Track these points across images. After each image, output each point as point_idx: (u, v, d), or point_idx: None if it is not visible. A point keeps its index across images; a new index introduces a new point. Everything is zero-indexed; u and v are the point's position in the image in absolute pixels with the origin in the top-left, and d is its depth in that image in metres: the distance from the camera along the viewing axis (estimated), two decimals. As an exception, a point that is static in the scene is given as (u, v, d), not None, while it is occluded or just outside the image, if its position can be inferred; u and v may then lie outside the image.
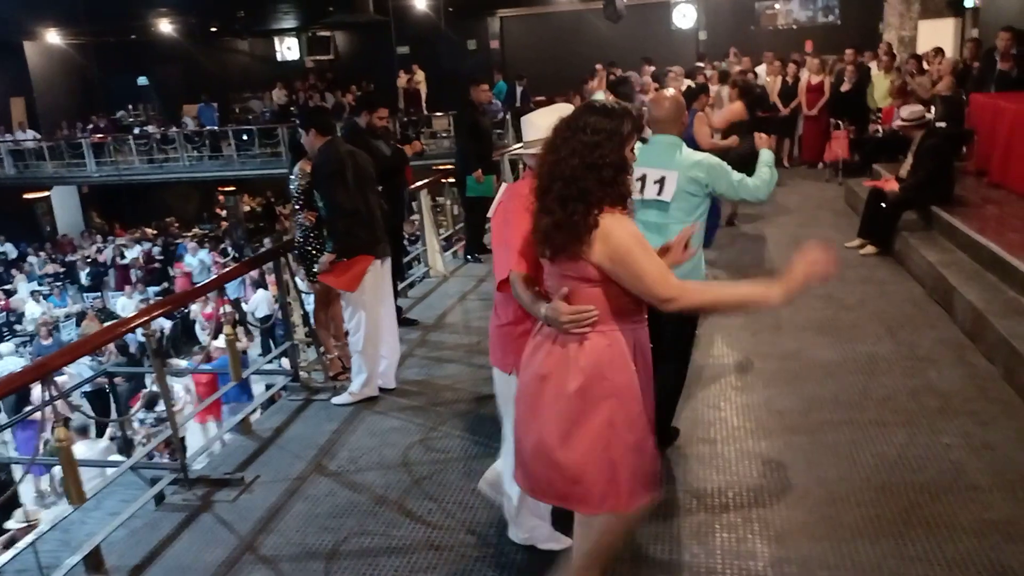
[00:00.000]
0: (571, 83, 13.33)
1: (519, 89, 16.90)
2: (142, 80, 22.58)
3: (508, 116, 14.39)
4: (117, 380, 9.20)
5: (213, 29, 21.38)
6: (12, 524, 6.16)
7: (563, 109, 2.55)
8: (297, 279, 5.42)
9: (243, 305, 11.82)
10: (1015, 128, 6.86)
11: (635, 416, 2.31)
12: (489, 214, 2.85)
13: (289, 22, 21.67)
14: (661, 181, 3.48)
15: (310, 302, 5.54)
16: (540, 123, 2.55)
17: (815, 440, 3.87)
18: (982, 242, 5.60)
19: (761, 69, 12.40)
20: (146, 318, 3.98)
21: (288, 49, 22.55)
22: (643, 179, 3.48)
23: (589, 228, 2.18)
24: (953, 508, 3.22)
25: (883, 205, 6.83)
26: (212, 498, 3.80)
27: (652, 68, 13.18)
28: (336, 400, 4.70)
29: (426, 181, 7.76)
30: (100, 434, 7.85)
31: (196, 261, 16.01)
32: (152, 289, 15.38)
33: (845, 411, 4.12)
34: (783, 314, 5.53)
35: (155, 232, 19.76)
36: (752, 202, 3.87)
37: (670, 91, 4.04)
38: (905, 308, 5.54)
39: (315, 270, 4.81)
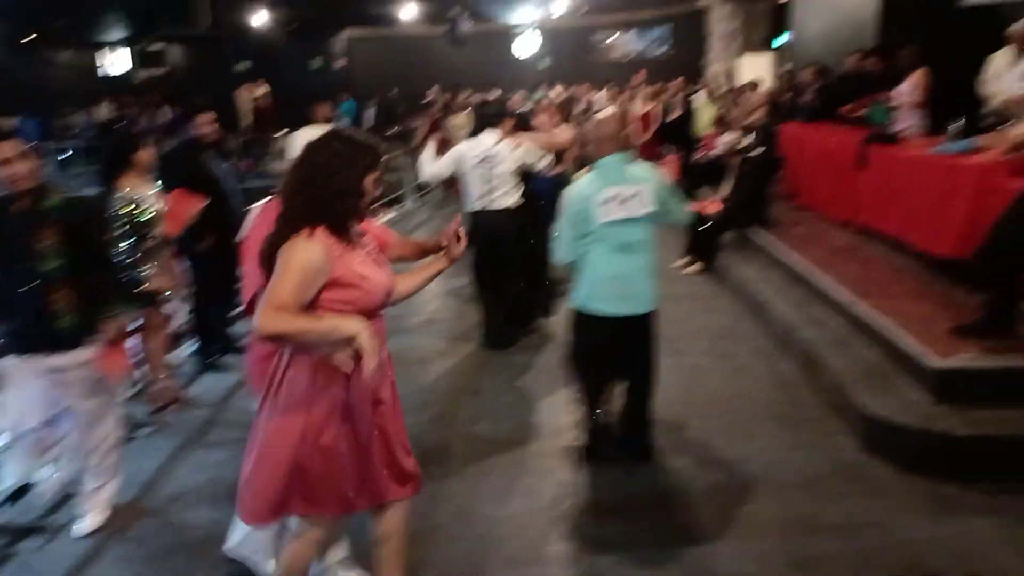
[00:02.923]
0: (416, 104, 13.41)
1: (369, 110, 16.75)
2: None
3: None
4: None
5: (30, 38, 19.75)
6: None
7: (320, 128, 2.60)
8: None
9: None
10: (818, 156, 7.58)
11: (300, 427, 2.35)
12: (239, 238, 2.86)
13: (117, 33, 20.41)
14: (636, 196, 3.56)
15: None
16: (301, 142, 2.51)
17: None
18: (791, 260, 6.13)
19: (601, 96, 13.01)
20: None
21: (114, 62, 21.20)
22: (612, 199, 3.54)
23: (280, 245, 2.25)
24: (762, 506, 3.49)
25: (705, 226, 7.32)
26: (15, 549, 3.47)
27: (499, 92, 13.52)
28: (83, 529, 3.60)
29: (264, 202, 7.50)
30: None
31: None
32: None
33: (668, 422, 4.35)
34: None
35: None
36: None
37: (610, 111, 4.13)
38: (725, 322, 5.95)
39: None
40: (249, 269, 2.58)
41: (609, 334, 3.70)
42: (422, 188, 11.55)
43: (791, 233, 7.02)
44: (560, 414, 4.46)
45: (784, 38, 13.79)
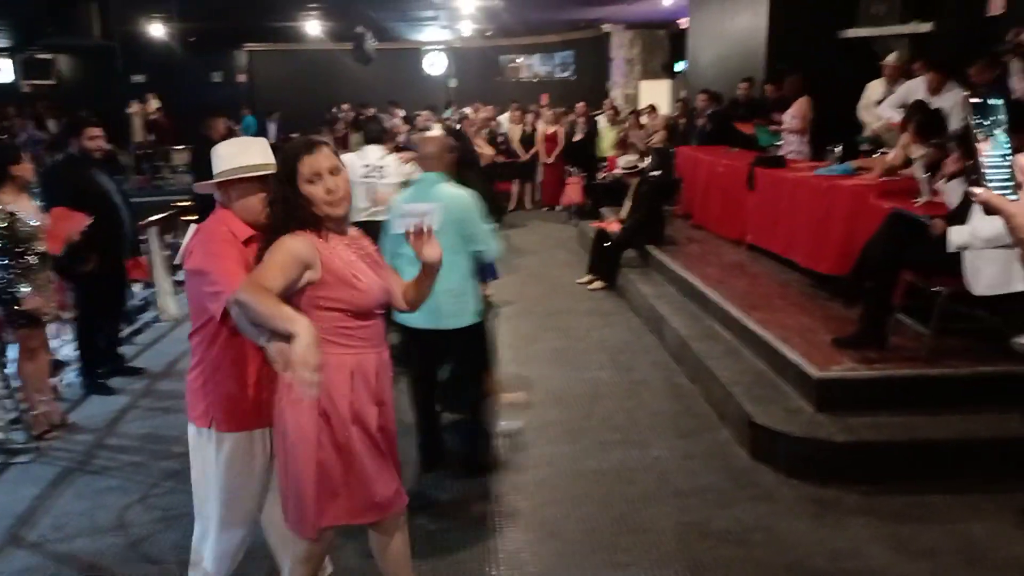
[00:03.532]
0: (323, 120, 13.24)
1: (271, 125, 16.45)
2: None
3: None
4: None
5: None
6: None
7: (250, 141, 2.61)
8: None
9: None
10: (710, 177, 7.92)
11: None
12: (178, 260, 2.79)
13: (1, 41, 19.31)
14: (426, 213, 3.54)
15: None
16: (224, 153, 2.53)
17: (542, 462, 4.12)
18: (686, 276, 6.36)
19: (504, 117, 13.18)
20: None
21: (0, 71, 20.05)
22: (407, 214, 3.53)
23: None
24: (658, 513, 3.59)
25: (607, 244, 7.51)
26: None
27: (401, 111, 13.50)
28: None
29: (157, 217, 7.26)
30: None
31: None
32: None
33: (570, 433, 4.44)
34: (520, 344, 5.87)
35: None
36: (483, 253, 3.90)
37: (435, 132, 4.21)
38: (625, 336, 6.11)
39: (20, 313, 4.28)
40: (208, 283, 2.40)
41: (419, 346, 3.82)
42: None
43: (686, 251, 7.29)
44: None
45: (682, 65, 14.37)
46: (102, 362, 5.40)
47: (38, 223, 4.39)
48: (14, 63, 20.10)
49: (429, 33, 19.43)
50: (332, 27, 17.34)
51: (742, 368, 4.70)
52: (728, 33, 10.24)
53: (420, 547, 3.05)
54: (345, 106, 15.23)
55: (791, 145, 7.56)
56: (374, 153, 5.71)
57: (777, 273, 6.20)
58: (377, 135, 6.09)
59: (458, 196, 3.71)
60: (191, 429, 2.60)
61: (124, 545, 3.46)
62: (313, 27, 17.65)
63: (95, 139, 5.17)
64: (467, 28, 17.99)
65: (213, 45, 19.39)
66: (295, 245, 2.25)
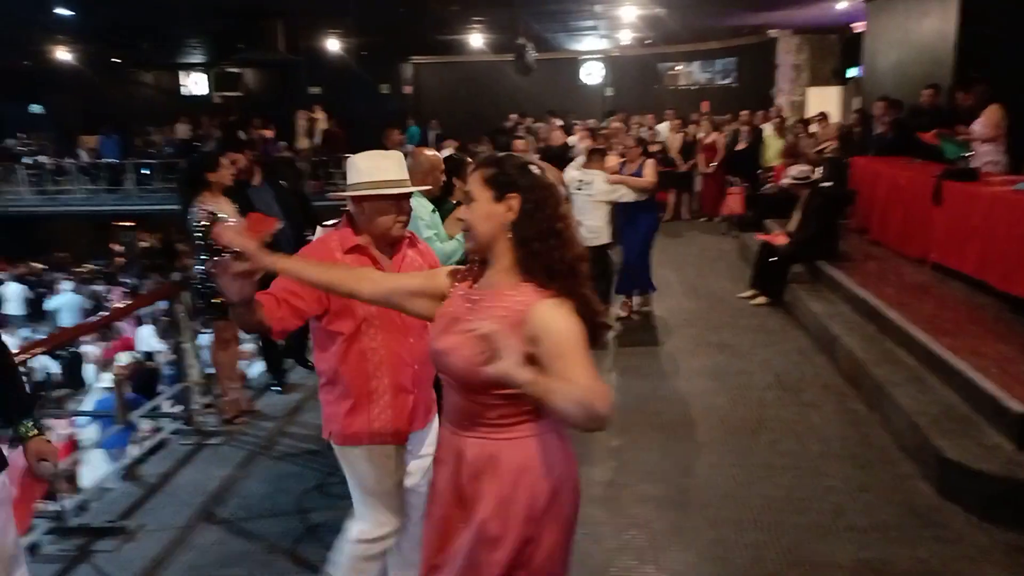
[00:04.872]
0: (483, 130, 13.57)
1: (432, 133, 17.09)
2: (35, 107, 21.58)
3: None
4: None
5: (116, 60, 20.70)
6: None
7: (386, 156, 2.56)
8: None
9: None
10: (891, 190, 7.41)
11: None
12: None
13: (197, 56, 21.24)
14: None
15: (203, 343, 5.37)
16: (362, 166, 2.52)
17: (707, 482, 4.00)
18: (862, 295, 5.98)
19: (663, 126, 12.98)
20: (25, 355, 3.78)
21: (195, 84, 22.06)
22: None
23: None
24: (833, 547, 3.38)
25: (773, 258, 7.20)
26: (91, 548, 3.59)
27: (559, 120, 13.60)
28: None
29: (331, 223, 7.70)
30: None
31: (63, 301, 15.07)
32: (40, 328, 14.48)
33: (735, 454, 4.28)
34: (679, 359, 5.74)
35: (43, 267, 18.68)
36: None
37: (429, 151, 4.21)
38: (792, 356, 5.82)
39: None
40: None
41: None
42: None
43: (862, 268, 6.86)
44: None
45: (855, 71, 13.57)
46: (284, 357, 5.78)
47: (234, 222, 4.78)
48: (208, 77, 22.05)
49: (587, 43, 19.49)
50: (494, 39, 17.76)
51: (929, 398, 4.35)
52: (911, 37, 9.56)
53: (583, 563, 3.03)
54: (514, 116, 15.54)
55: (985, 156, 6.93)
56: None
57: (968, 295, 5.70)
58: (500, 148, 6.18)
59: (427, 212, 3.72)
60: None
61: (302, 529, 3.68)
62: (476, 40, 18.16)
63: (235, 162, 5.24)
64: (626, 37, 17.88)
65: (383, 58, 20.37)
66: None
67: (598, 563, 3.32)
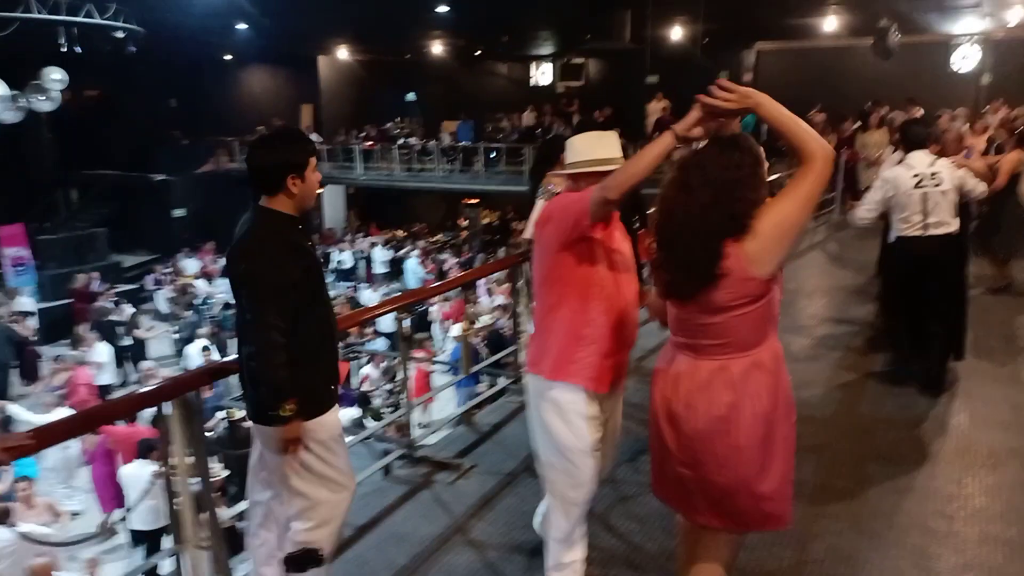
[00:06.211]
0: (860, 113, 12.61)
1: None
2: (410, 96, 24.76)
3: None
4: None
5: (477, 52, 22.90)
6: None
7: (604, 136, 2.71)
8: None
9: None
10: None
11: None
12: (528, 234, 2.96)
13: (546, 48, 22.64)
14: None
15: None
16: (579, 146, 2.70)
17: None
18: None
19: (1054, 118, 11.00)
20: (386, 309, 4.42)
21: (542, 74, 23.57)
22: None
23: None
24: None
25: None
26: (433, 478, 4.10)
27: (919, 110, 12.23)
28: None
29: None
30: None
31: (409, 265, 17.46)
32: (395, 285, 16.80)
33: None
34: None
35: (404, 234, 21.48)
36: None
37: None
38: None
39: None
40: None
41: None
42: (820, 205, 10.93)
43: None
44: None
45: None
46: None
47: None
48: (553, 67, 23.43)
49: (964, 24, 17.15)
50: (851, 21, 16.45)
51: None
52: None
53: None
54: (868, 105, 14.33)
55: None
56: (922, 160, 5.17)
57: None
58: (921, 140, 5.40)
59: None
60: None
61: (615, 498, 3.82)
62: (830, 23, 16.97)
63: None
64: (1016, 15, 15.41)
65: (725, 45, 19.94)
66: None
67: None
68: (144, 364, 11.13)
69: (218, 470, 6.10)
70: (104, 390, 10.72)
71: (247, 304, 2.64)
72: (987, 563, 3.22)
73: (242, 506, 3.19)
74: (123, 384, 12.09)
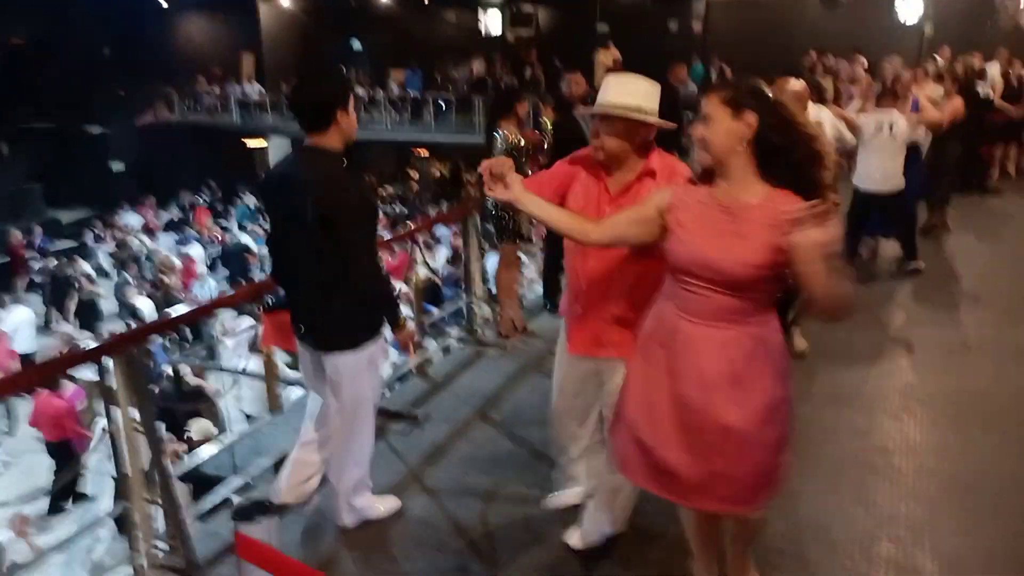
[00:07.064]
0: (775, 70, 12.75)
1: (713, 71, 16.38)
2: (355, 44, 24.08)
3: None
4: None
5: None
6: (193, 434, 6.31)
7: (632, 81, 2.54)
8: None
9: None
10: None
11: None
12: None
13: (497, -5, 22.23)
14: None
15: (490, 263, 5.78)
16: (609, 83, 2.56)
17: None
18: None
19: (995, 68, 11.24)
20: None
21: (492, 21, 23.13)
22: None
23: None
24: None
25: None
26: (387, 428, 4.11)
27: (864, 59, 12.40)
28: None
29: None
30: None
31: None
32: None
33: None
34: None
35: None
36: None
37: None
38: None
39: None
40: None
41: None
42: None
43: None
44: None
45: None
46: (559, 288, 6.04)
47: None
48: (503, 15, 23.02)
49: (910, -27, 17.31)
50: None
51: None
52: None
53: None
54: (812, 54, 14.45)
55: None
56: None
57: None
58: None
59: None
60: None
61: (566, 442, 3.88)
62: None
63: (577, 85, 5.67)
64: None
65: (675, -5, 19.84)
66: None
67: (867, 530, 3.14)
68: (63, 328, 10.35)
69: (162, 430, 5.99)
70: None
71: (344, 235, 2.72)
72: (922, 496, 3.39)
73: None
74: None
